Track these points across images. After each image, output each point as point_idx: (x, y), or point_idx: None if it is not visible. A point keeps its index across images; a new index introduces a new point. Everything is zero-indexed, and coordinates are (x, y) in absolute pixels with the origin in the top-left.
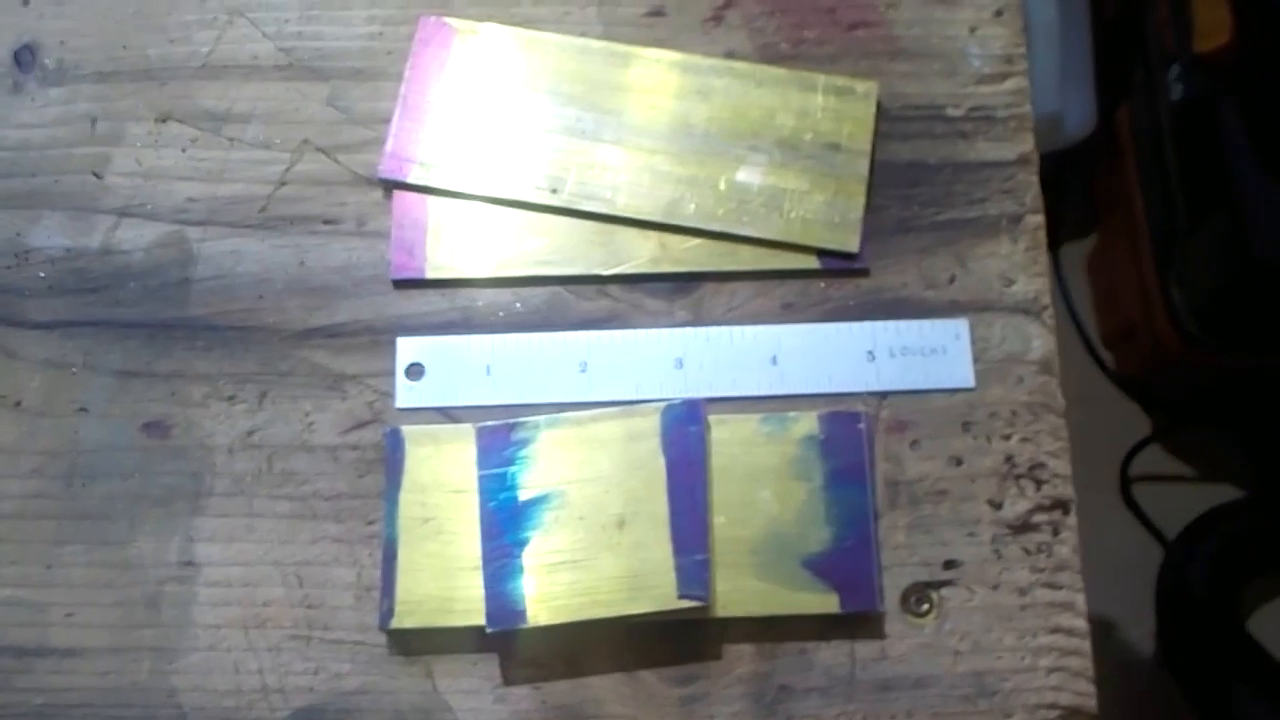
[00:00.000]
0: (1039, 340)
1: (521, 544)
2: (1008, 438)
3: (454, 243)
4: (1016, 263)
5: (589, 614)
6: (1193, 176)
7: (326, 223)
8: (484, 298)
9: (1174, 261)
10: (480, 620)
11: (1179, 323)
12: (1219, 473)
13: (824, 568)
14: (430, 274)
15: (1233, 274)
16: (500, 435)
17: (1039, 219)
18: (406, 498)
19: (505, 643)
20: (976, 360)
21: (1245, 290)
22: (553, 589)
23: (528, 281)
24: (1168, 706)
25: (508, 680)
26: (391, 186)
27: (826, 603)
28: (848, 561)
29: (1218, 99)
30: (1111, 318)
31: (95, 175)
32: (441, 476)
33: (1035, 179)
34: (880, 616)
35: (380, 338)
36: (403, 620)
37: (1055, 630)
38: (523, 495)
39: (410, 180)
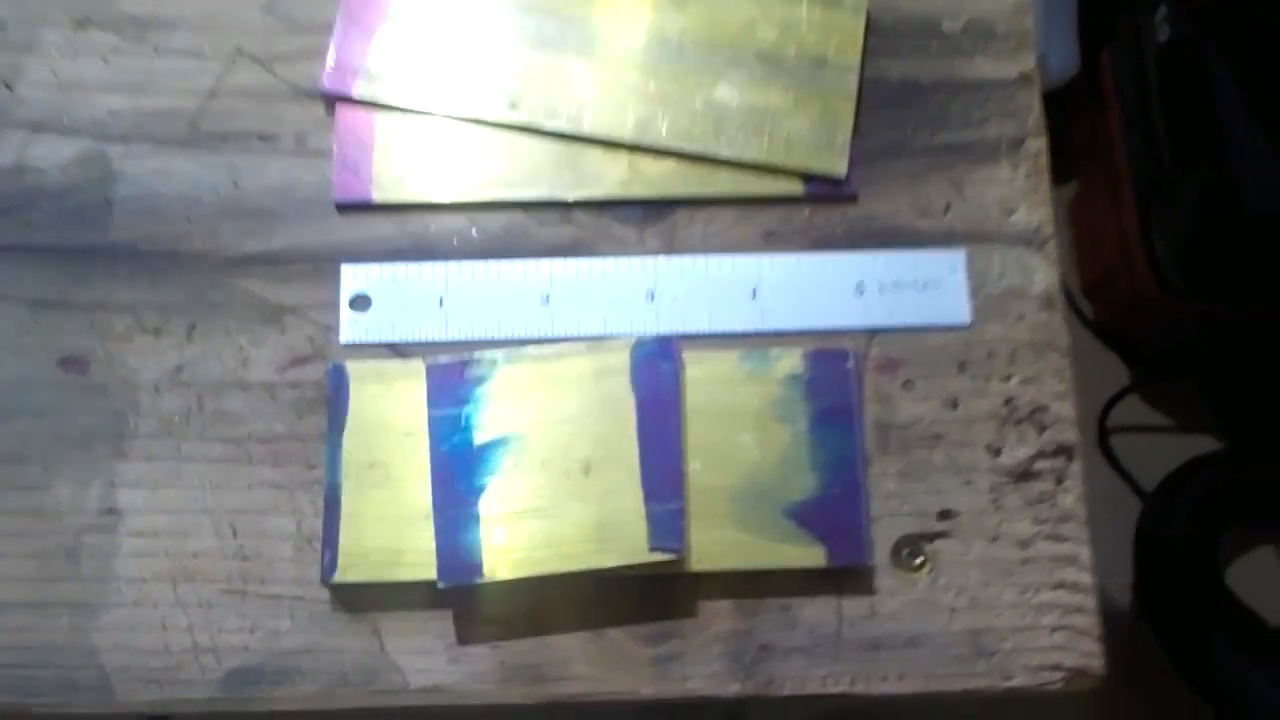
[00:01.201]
0: (1041, 274)
1: (477, 491)
2: (1007, 379)
3: (403, 163)
4: (1017, 190)
5: (552, 568)
6: (1178, 122)
7: (262, 139)
8: (436, 223)
9: (1156, 209)
10: (432, 574)
11: (1159, 271)
12: (1197, 424)
13: (808, 517)
14: (377, 197)
15: (1216, 223)
16: (454, 372)
17: (1041, 143)
18: (351, 440)
19: (460, 599)
20: (974, 295)
21: (1228, 240)
22: (512, 541)
23: (485, 206)
24: (1145, 657)
25: (463, 639)
26: (334, 100)
27: (811, 555)
28: (834, 511)
29: (1204, 41)
30: (1091, 266)
31: (6, 86)
32: (389, 417)
33: (1037, 100)
34: (869, 570)
35: (322, 266)
36: (347, 574)
37: (1059, 586)
38: (478, 438)
39: (355, 94)
